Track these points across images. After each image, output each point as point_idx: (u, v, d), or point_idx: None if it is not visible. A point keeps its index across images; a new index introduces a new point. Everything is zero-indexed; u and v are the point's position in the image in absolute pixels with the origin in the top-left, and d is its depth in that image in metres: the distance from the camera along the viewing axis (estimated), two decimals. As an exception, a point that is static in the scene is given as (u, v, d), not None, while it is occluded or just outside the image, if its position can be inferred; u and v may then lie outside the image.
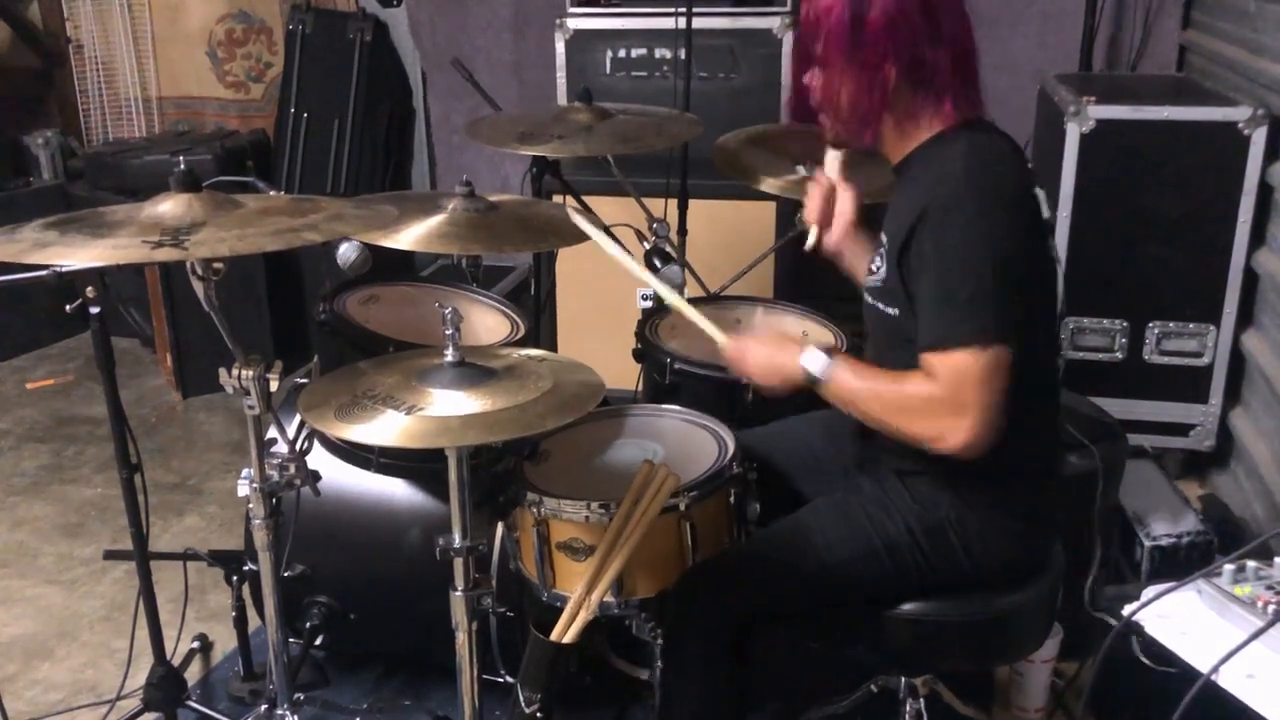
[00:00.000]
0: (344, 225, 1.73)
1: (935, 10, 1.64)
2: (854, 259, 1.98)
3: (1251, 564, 1.60)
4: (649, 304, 3.23)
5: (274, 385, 1.78)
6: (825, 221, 1.99)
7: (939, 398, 1.58)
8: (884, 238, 1.74)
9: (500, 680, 2.24)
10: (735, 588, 1.78)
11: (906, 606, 1.77)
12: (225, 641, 2.63)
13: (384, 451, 2.25)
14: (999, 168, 1.65)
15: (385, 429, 1.61)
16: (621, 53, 3.68)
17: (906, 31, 1.62)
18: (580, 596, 1.81)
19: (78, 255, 1.57)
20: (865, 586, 1.77)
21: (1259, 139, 2.89)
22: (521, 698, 1.87)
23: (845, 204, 1.97)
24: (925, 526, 1.75)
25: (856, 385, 1.69)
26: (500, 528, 2.09)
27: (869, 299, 1.78)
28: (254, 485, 1.88)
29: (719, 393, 2.20)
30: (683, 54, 3.06)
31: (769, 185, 2.54)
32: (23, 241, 1.60)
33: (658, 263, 2.54)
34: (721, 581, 1.79)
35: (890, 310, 1.72)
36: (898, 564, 1.76)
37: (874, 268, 1.75)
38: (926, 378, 1.61)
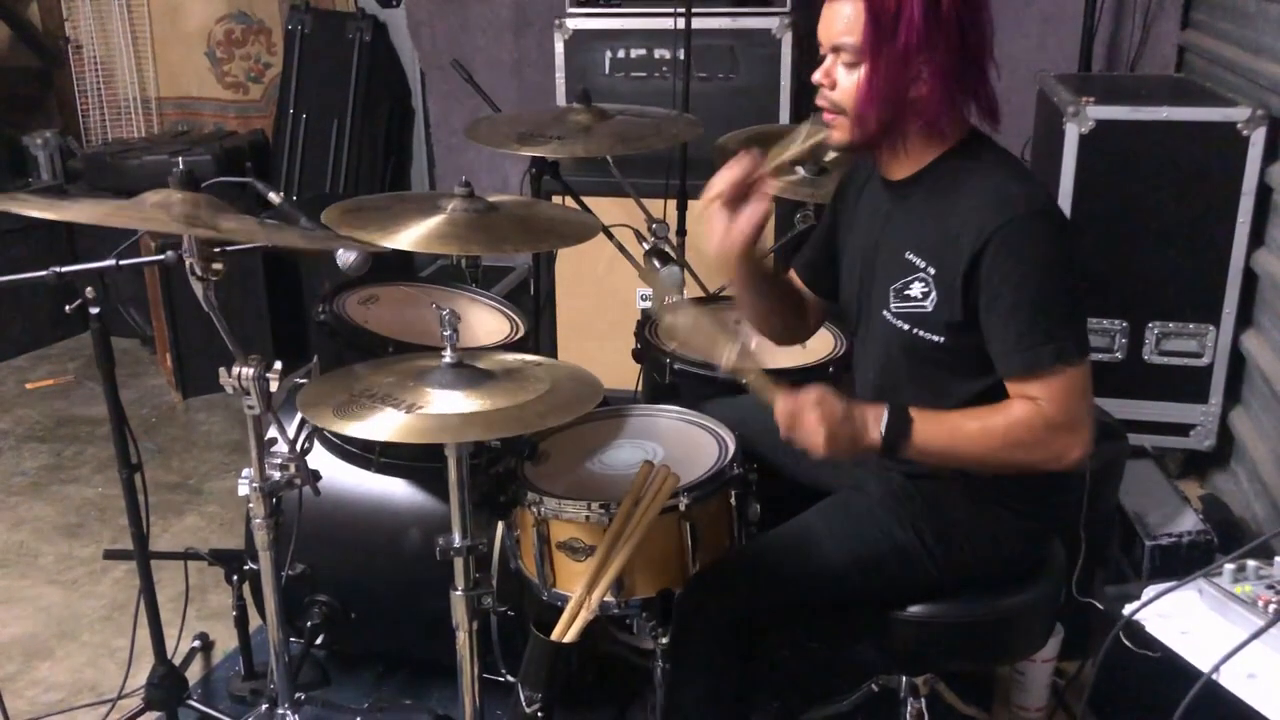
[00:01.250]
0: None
1: (985, 10, 1.62)
2: (747, 272, 1.85)
3: (1252, 563, 1.60)
4: (648, 304, 3.23)
5: (274, 385, 1.78)
6: (729, 201, 1.73)
7: (1052, 420, 1.59)
8: (918, 261, 1.68)
9: (501, 679, 2.24)
10: (743, 591, 1.77)
11: (910, 608, 1.76)
12: (226, 641, 2.63)
13: (384, 451, 2.25)
14: (1041, 184, 1.67)
15: (384, 426, 1.62)
16: (621, 53, 3.67)
17: (972, 25, 1.60)
18: (581, 596, 1.81)
19: (107, 216, 1.53)
20: (874, 589, 1.77)
21: (1258, 139, 2.88)
22: (522, 697, 1.87)
23: (759, 209, 1.72)
24: (935, 529, 1.75)
25: (949, 433, 1.63)
26: (500, 527, 2.09)
27: (900, 323, 1.71)
28: (254, 485, 1.88)
29: (719, 392, 2.20)
30: (682, 54, 3.06)
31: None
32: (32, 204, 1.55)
33: (657, 263, 2.54)
34: (730, 585, 1.78)
35: (935, 337, 1.68)
36: (907, 566, 1.75)
37: (913, 293, 1.69)
38: (1029, 403, 1.60)
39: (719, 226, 1.74)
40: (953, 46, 1.59)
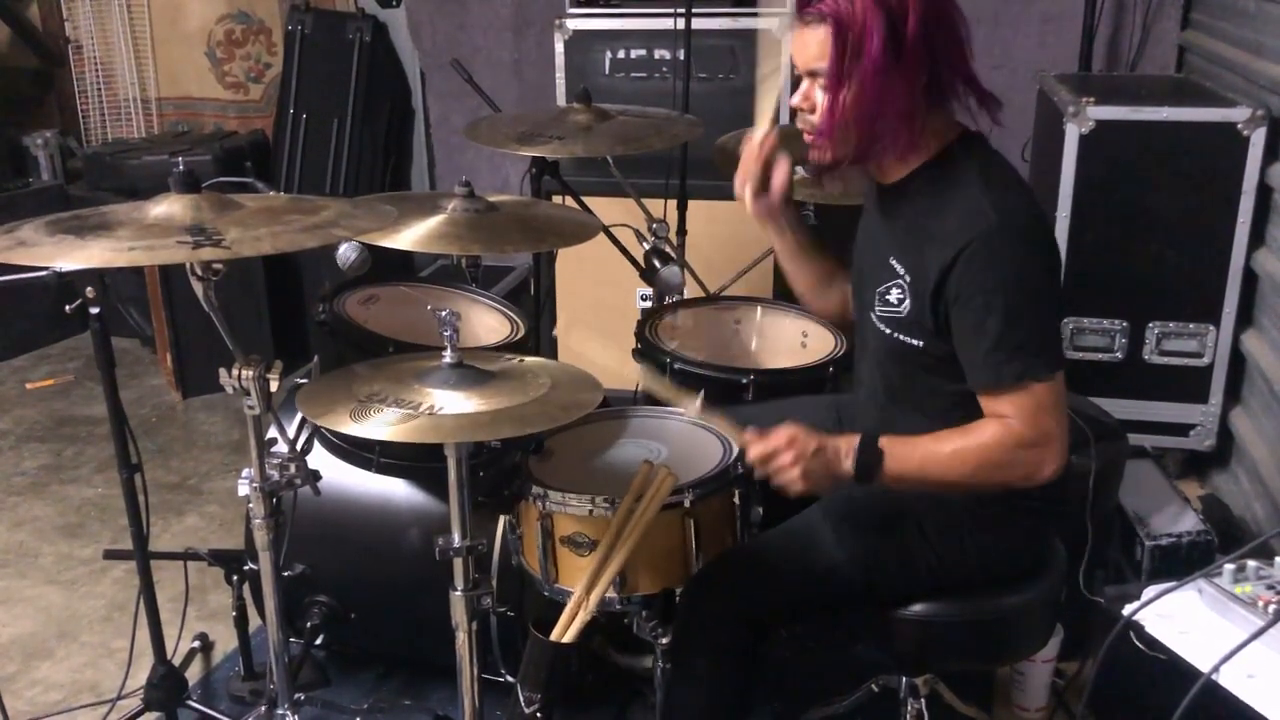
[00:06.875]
0: (354, 222, 1.73)
1: (954, 18, 1.61)
2: (779, 228, 1.94)
3: (1252, 563, 1.60)
4: (649, 304, 3.23)
5: (274, 385, 1.78)
6: (758, 185, 1.88)
7: (1023, 438, 1.58)
8: (898, 267, 1.69)
9: (500, 680, 2.24)
10: (744, 589, 1.77)
11: (911, 607, 1.76)
12: (226, 641, 2.63)
13: (384, 451, 2.25)
14: (1022, 193, 1.65)
15: (385, 428, 1.62)
16: (621, 53, 3.67)
17: (940, 40, 1.59)
18: (580, 597, 1.81)
19: (114, 258, 1.51)
20: (875, 587, 1.77)
21: (1258, 139, 2.88)
22: (521, 697, 1.87)
23: (782, 173, 1.86)
24: (937, 526, 1.75)
25: (921, 459, 1.63)
26: (501, 525, 2.09)
27: (882, 327, 1.72)
28: (254, 485, 1.88)
29: (719, 392, 2.20)
30: (682, 54, 3.06)
31: (769, 185, 2.53)
32: (40, 245, 1.56)
33: (657, 263, 2.54)
34: (731, 583, 1.78)
35: (914, 341, 1.68)
36: (909, 563, 1.75)
37: (891, 298, 1.70)
38: (999, 420, 1.59)
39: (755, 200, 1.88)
40: (922, 59, 1.58)
